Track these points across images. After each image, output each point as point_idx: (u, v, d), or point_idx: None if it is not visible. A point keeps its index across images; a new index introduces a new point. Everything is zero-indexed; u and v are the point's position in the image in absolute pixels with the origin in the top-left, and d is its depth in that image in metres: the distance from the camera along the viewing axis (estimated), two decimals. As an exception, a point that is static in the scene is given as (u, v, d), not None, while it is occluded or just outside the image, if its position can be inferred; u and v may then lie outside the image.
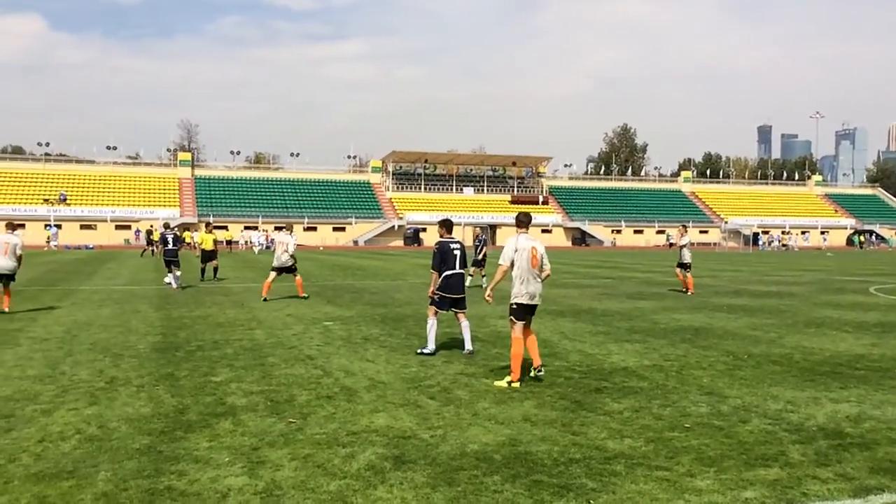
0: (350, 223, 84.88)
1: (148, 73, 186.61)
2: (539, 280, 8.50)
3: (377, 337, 11.81)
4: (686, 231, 21.83)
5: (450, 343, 11.11)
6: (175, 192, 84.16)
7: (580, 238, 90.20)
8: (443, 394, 7.75)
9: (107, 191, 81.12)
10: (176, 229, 25.89)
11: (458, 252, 10.08)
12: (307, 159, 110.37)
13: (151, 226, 56.14)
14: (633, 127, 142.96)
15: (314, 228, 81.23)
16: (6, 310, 14.40)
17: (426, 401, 7.43)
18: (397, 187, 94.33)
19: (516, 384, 8.06)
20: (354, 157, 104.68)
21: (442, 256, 9.99)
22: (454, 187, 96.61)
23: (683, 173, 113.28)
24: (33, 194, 77.63)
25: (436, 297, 10.13)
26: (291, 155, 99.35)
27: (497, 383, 8.17)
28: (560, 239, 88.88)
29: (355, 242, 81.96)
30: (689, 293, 19.88)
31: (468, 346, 10.22)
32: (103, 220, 75.90)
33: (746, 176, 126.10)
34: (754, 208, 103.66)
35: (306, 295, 18.17)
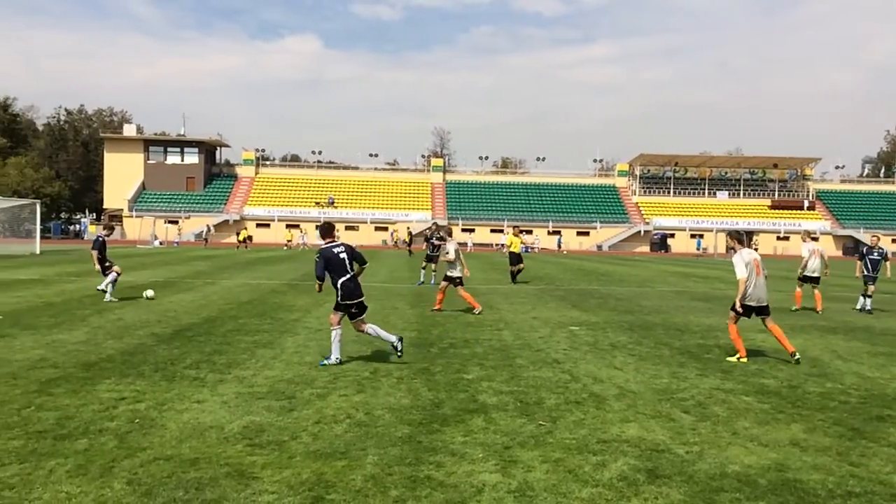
0: (594, 227, 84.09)
1: (406, 84, 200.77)
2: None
3: (625, 344, 11.55)
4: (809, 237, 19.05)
5: (698, 352, 10.55)
6: (427, 196, 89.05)
7: (852, 247, 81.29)
8: (698, 408, 7.37)
9: (368, 194, 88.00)
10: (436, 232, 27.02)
11: (344, 256, 9.46)
12: (552, 163, 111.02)
13: (409, 228, 60.12)
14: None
15: (558, 232, 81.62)
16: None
17: (679, 414, 7.11)
18: (644, 191, 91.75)
19: (744, 359, 10.06)
20: (600, 161, 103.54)
21: (327, 264, 9.36)
22: (706, 191, 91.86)
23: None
24: (307, 198, 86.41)
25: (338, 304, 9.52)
26: (537, 160, 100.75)
27: (729, 359, 10.15)
28: (828, 248, 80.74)
29: (599, 247, 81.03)
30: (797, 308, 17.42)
31: (397, 344, 9.55)
32: (364, 222, 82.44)
33: None
34: None
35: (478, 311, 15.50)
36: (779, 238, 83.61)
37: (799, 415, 7.19)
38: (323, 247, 9.59)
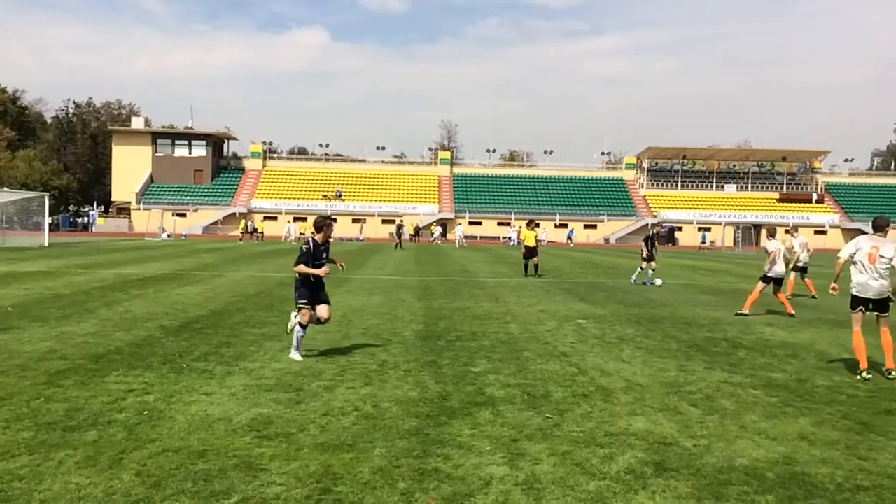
0: (602, 220, 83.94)
1: (414, 76, 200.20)
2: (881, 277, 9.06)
3: (632, 337, 11.53)
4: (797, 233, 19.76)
5: (705, 346, 10.53)
6: (435, 188, 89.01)
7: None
8: (705, 402, 7.35)
9: (375, 187, 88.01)
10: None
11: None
12: (560, 156, 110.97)
13: (401, 219, 60.05)
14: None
15: (565, 225, 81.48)
16: None
17: (687, 407, 7.10)
18: (652, 184, 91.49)
19: (866, 374, 8.76)
20: (608, 154, 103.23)
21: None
22: (714, 184, 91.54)
23: None
24: (314, 191, 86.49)
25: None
26: (544, 152, 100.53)
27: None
28: (837, 241, 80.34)
29: (606, 240, 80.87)
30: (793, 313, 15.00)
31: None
32: (371, 215, 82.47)
33: None
34: None
35: None
36: (787, 231, 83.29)
37: (807, 408, 7.17)
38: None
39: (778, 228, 18.01)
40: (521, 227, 75.75)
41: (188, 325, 11.67)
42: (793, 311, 14.83)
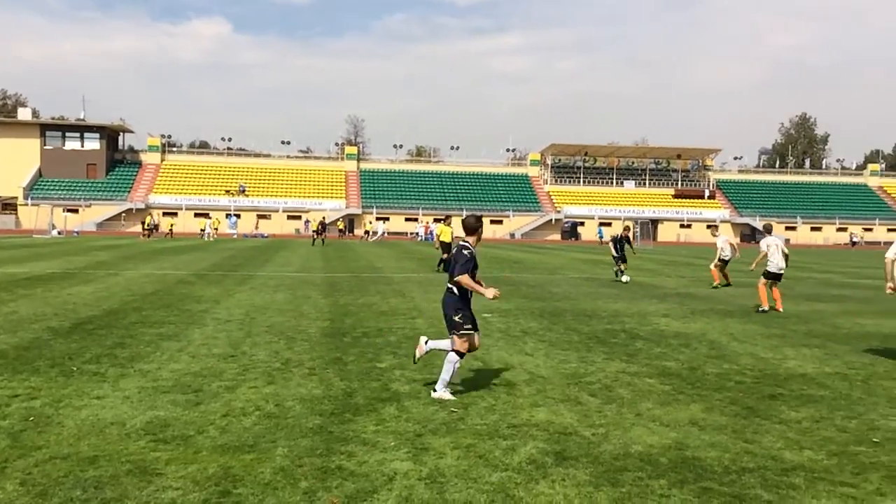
0: (507, 216, 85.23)
1: (319, 70, 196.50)
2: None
3: (536, 331, 11.77)
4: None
5: (605, 337, 10.88)
6: (342, 184, 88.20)
7: (750, 235, 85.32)
8: (604, 391, 7.59)
9: (280, 183, 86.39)
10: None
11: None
12: (466, 152, 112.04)
13: (324, 217, 59.22)
14: (813, 116, 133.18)
15: (443, 220, 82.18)
16: None
17: (587, 398, 7.31)
18: (556, 180, 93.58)
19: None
20: (513, 150, 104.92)
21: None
22: (615, 181, 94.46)
23: (870, 166, 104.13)
24: (216, 186, 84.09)
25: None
26: (451, 148, 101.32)
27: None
28: (727, 236, 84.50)
29: (512, 235, 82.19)
30: (765, 309, 14.97)
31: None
32: (276, 211, 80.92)
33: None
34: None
35: None
36: (682, 226, 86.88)
37: (698, 395, 7.50)
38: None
39: (773, 226, 17.89)
40: (427, 222, 76.07)
41: (79, 325, 11.13)
42: (781, 308, 15.02)
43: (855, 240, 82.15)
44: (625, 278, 22.21)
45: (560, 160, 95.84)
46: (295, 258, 32.02)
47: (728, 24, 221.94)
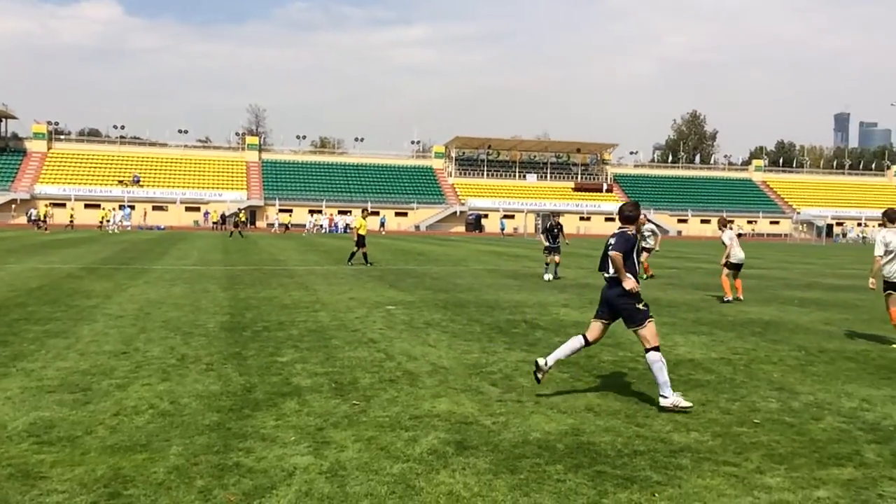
0: (412, 208, 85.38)
1: (219, 57, 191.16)
2: None
3: (439, 322, 11.85)
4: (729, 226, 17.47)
5: (506, 327, 11.08)
6: (243, 175, 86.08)
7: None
8: (505, 381, 7.73)
9: (178, 173, 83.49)
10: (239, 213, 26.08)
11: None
12: (371, 144, 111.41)
13: (239, 210, 57.57)
14: (703, 114, 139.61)
15: (377, 212, 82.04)
16: None
17: (488, 387, 7.42)
18: (460, 173, 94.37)
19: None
20: (418, 143, 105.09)
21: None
22: (517, 174, 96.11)
23: (755, 162, 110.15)
24: (108, 175, 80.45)
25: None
26: (356, 140, 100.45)
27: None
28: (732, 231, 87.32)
29: (417, 227, 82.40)
30: (730, 299, 15.52)
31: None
32: (173, 202, 78.19)
33: (821, 165, 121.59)
34: (828, 199, 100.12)
35: None
36: (581, 218, 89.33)
37: (594, 382, 7.76)
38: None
39: (726, 219, 18.01)
40: (332, 214, 75.25)
41: (-45, 323, 10.43)
42: (741, 296, 15.76)
43: (740, 232, 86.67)
44: (547, 276, 19.97)
45: (464, 153, 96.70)
46: (193, 251, 31.05)
47: (626, 23, 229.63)
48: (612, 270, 6.97)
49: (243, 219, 70.88)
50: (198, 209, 78.12)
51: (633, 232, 7.14)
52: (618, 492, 4.67)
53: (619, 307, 6.97)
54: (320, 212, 77.54)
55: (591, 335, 7.21)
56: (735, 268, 16.01)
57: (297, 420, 6.08)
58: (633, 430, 6.01)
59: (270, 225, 64.81)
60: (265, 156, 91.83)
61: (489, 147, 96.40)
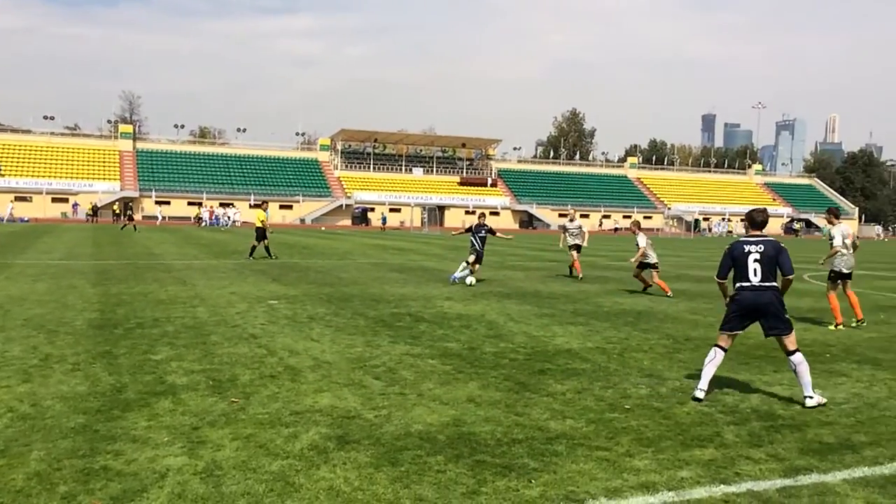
0: (297, 201, 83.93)
1: (89, 41, 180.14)
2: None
3: (322, 316, 11.72)
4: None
5: (391, 321, 11.11)
6: (115, 165, 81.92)
7: (527, 221, 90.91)
8: (388, 374, 7.74)
9: (43, 162, 78.45)
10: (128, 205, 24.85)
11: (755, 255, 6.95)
12: (254, 135, 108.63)
13: (131, 202, 54.56)
14: (582, 112, 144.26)
15: (259, 205, 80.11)
16: None
17: (371, 381, 7.41)
18: (346, 166, 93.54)
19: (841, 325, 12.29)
20: (303, 135, 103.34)
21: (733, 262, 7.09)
22: (403, 167, 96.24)
23: (629, 159, 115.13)
24: (-36, 164, 74.56)
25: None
26: (238, 130, 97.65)
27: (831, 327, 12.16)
28: (508, 221, 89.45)
29: (302, 220, 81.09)
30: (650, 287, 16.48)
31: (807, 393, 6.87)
32: (39, 193, 73.46)
33: (690, 163, 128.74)
34: (696, 195, 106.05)
35: None
36: (467, 212, 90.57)
37: (476, 373, 7.89)
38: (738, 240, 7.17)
39: (641, 221, 18.80)
40: (212, 207, 72.88)
41: None
42: (670, 293, 16.01)
43: (617, 227, 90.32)
44: (470, 279, 17.20)
45: (350, 146, 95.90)
46: (60, 244, 29.29)
47: (510, 21, 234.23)
48: (757, 278, 6.91)
49: (117, 211, 67.46)
50: (66, 200, 73.70)
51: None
52: (496, 480, 4.78)
53: (771, 314, 6.94)
54: (200, 204, 74.82)
55: (725, 345, 7.27)
56: (650, 267, 16.45)
57: (171, 420, 5.86)
58: (512, 420, 6.16)
59: (153, 218, 61.82)
60: (140, 145, 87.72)
61: (375, 140, 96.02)
